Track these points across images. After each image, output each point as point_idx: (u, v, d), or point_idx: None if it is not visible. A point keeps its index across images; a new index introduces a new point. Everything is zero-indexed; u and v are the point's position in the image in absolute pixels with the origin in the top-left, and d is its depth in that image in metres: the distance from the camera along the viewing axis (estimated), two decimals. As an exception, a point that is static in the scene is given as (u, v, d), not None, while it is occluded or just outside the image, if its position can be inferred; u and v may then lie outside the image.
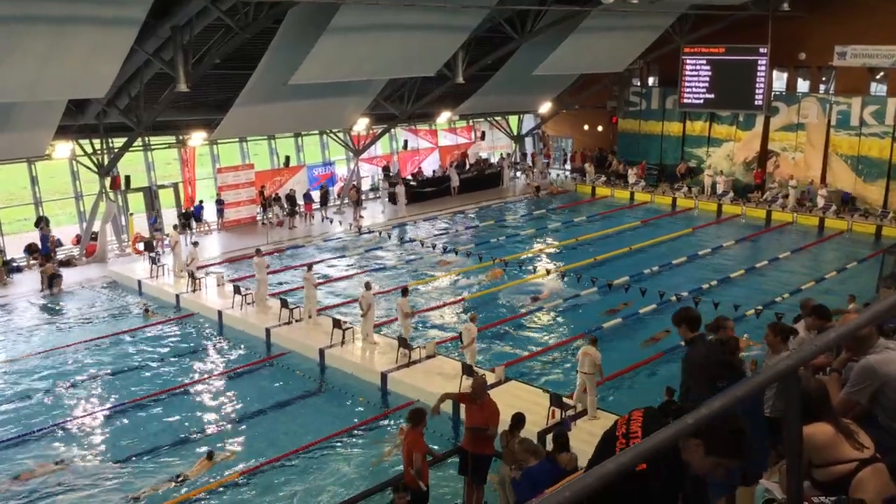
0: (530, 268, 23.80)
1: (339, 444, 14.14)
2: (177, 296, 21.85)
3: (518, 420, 10.20)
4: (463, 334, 16.24)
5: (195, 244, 23.42)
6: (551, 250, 27.45)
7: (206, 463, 13.31)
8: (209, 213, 29.95)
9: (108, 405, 15.68)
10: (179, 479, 12.78)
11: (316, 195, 32.27)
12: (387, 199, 34.32)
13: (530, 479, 8.36)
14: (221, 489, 12.61)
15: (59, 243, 25.95)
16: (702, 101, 34.72)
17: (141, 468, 13.28)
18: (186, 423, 14.96)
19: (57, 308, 21.78)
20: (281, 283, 23.12)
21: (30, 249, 25.28)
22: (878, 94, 30.78)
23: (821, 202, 30.93)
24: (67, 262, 24.85)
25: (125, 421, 15.09)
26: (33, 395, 16.12)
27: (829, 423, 4.02)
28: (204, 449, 13.74)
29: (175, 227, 25.50)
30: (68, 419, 15.04)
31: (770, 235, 29.88)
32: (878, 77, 30.93)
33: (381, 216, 32.29)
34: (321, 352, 17.70)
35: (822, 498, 3.70)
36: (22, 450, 13.95)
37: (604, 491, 2.06)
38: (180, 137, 28.67)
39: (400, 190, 33.29)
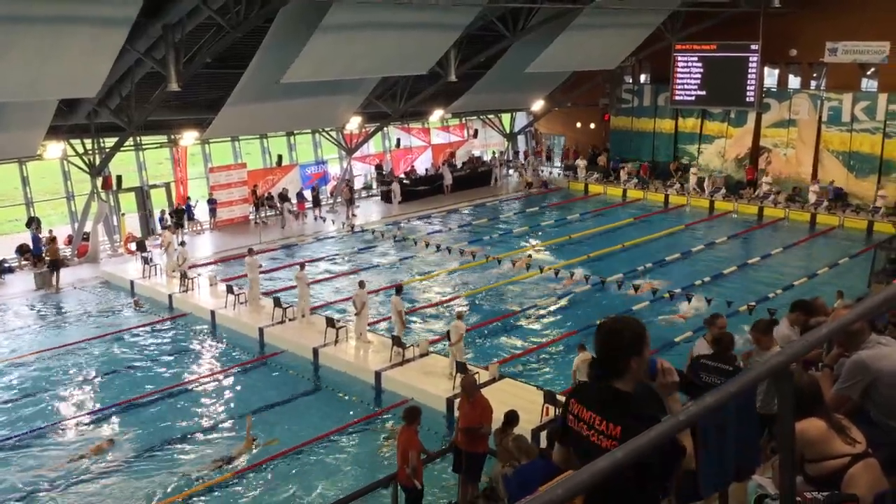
0: (522, 265, 23.76)
1: (333, 443, 14.12)
2: (169, 296, 21.79)
3: (510, 418, 10.19)
4: (451, 332, 16.16)
5: (182, 244, 23.35)
6: (544, 247, 27.42)
7: (250, 444, 13.83)
8: (201, 212, 29.87)
9: (102, 405, 15.64)
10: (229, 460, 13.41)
11: (308, 194, 32.20)
12: (380, 198, 34.42)
13: (520, 477, 8.39)
14: (213, 489, 12.59)
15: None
16: (693, 98, 34.78)
17: (150, 463, 13.30)
18: (180, 423, 14.93)
19: (50, 308, 21.68)
20: (274, 280, 23.10)
21: (21, 250, 25.18)
22: (869, 90, 30.88)
23: (812, 198, 31.03)
24: (60, 263, 24.74)
25: (127, 418, 15.07)
26: (22, 398, 16.08)
27: (821, 419, 4.03)
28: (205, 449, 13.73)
29: (168, 227, 25.43)
30: (68, 419, 15.02)
31: (762, 231, 29.97)
32: (868, 73, 31.03)
33: (351, 215, 32.23)
34: (315, 351, 17.68)
35: (814, 493, 3.71)
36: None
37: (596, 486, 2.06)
38: (172, 137, 28.59)
39: (395, 188, 33.29)
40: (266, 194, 31.33)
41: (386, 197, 34.10)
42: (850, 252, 25.75)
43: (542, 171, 39.96)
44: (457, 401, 12.66)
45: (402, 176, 35.77)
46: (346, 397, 16.07)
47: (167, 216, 28.37)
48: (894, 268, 20.32)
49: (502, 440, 9.79)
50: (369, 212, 32.72)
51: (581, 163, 37.97)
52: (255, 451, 13.76)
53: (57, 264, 23.39)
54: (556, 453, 3.78)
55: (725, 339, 7.93)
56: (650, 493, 3.18)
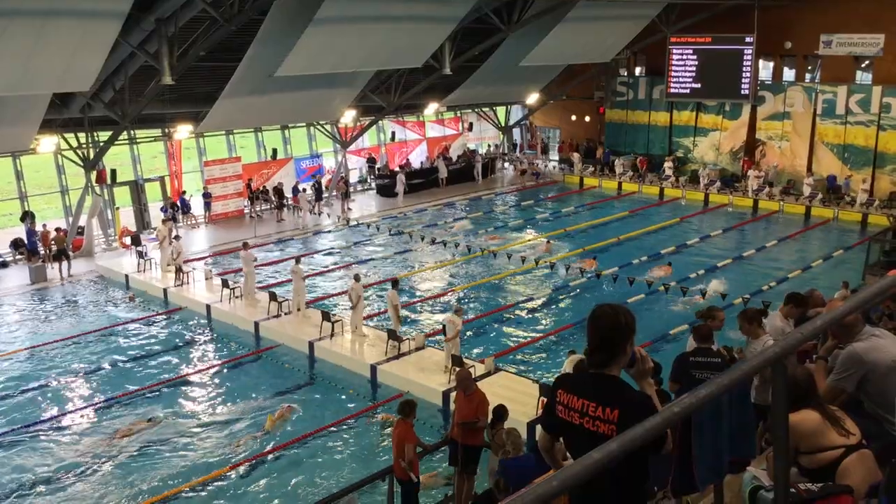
0: (519, 258, 23.76)
1: (329, 436, 14.13)
2: (164, 290, 21.76)
3: (500, 413, 10.22)
4: (447, 327, 16.08)
5: (177, 238, 23.34)
6: (540, 241, 27.41)
7: (284, 412, 14.61)
8: (196, 206, 29.79)
9: (97, 399, 15.61)
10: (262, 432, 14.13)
11: (306, 188, 32.14)
12: (375, 192, 34.49)
13: (502, 471, 8.58)
14: (210, 483, 12.60)
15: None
16: (688, 90, 34.82)
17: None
18: (174, 419, 14.90)
19: (45, 302, 21.61)
20: (269, 271, 23.08)
21: (15, 244, 25.09)
22: (864, 83, 30.93)
23: (807, 191, 31.09)
24: (67, 251, 24.75)
25: (123, 412, 15.04)
26: (18, 393, 16.06)
27: (815, 411, 4.04)
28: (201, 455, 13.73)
29: (163, 221, 25.38)
30: (68, 412, 15.01)
31: (757, 224, 30.03)
32: (863, 65, 31.08)
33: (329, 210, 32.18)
34: (310, 344, 17.67)
35: (808, 484, 3.72)
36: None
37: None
38: (166, 130, 28.50)
39: (400, 178, 33.32)
40: (261, 187, 31.27)
41: (383, 191, 34.04)
42: (844, 245, 25.82)
43: (537, 163, 40.00)
44: (452, 394, 12.67)
45: (397, 169, 35.74)
46: (342, 391, 16.07)
47: (170, 209, 28.32)
48: (889, 260, 20.38)
49: (494, 435, 9.84)
50: (365, 205, 32.68)
51: (576, 156, 37.97)
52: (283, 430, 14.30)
53: (65, 253, 23.61)
54: (540, 439, 3.83)
55: (703, 330, 7.92)
56: (634, 476, 3.24)
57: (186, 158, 30.84)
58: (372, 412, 15.08)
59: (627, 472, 3.16)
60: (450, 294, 21.45)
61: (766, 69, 33.76)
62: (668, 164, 34.85)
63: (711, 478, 4.55)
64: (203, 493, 12.37)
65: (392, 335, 16.86)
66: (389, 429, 12.87)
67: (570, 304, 20.85)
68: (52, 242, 24.34)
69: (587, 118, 40.14)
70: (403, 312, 18.82)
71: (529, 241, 27.14)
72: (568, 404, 3.42)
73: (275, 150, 32.72)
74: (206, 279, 22.01)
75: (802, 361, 6.58)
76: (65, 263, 23.61)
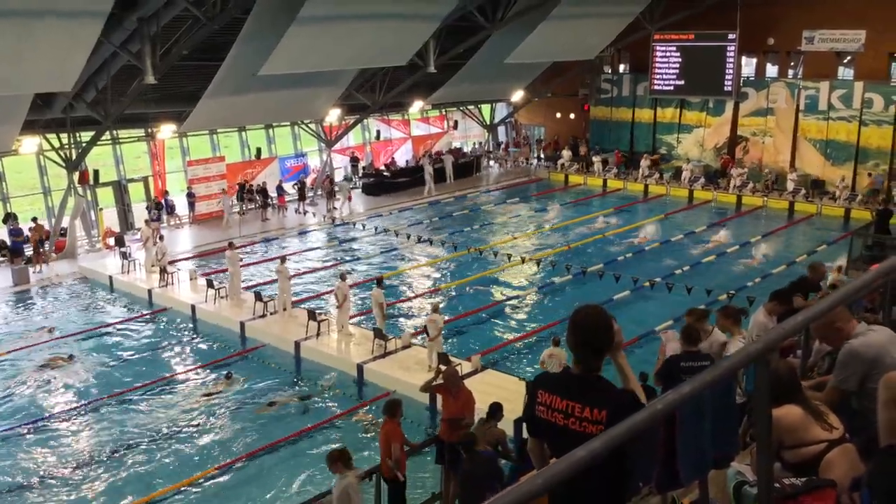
0: (504, 255, 23.78)
1: (315, 436, 14.10)
2: (149, 291, 21.63)
3: (493, 410, 10.21)
4: (428, 327, 15.97)
5: (161, 238, 23.22)
6: (525, 238, 27.45)
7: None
8: (180, 206, 29.60)
9: (85, 399, 15.51)
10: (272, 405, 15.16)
11: (289, 187, 32.01)
12: (360, 191, 34.45)
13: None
14: (194, 484, 12.55)
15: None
16: (672, 87, 34.94)
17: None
18: (164, 419, 14.84)
19: (28, 304, 21.42)
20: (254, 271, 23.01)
21: (-3, 246, 24.87)
22: (846, 79, 31.16)
23: (790, 186, 31.29)
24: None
25: (111, 413, 14.96)
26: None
27: (798, 405, 4.06)
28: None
29: (147, 221, 25.22)
30: (58, 413, 14.91)
31: (741, 220, 30.17)
32: (845, 61, 31.30)
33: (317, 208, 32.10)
34: (296, 344, 17.62)
35: (792, 479, 3.73)
36: None
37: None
38: (149, 130, 28.32)
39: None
40: (247, 187, 31.12)
41: (368, 189, 33.96)
42: (827, 239, 25.98)
43: (524, 162, 40.08)
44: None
45: (383, 168, 35.61)
46: (329, 390, 16.02)
47: (154, 209, 28.09)
48: (871, 254, 20.51)
49: (486, 432, 9.84)
50: (350, 204, 32.55)
51: (566, 153, 38.02)
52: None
53: (43, 245, 24.11)
54: (529, 445, 3.81)
55: (693, 334, 7.96)
56: (614, 473, 3.23)
57: (170, 158, 30.64)
58: (360, 412, 15.07)
59: (608, 469, 3.14)
60: (435, 293, 21.43)
61: (748, 65, 33.98)
62: (644, 163, 34.93)
63: (695, 474, 4.56)
64: (184, 496, 12.32)
65: (378, 334, 16.84)
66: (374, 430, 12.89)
67: (554, 301, 20.86)
68: (32, 234, 24.57)
69: (572, 115, 40.20)
70: (388, 311, 18.78)
71: (517, 238, 27.17)
72: (550, 405, 3.39)
73: (259, 150, 32.58)
74: (191, 279, 21.89)
75: (785, 357, 6.61)
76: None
